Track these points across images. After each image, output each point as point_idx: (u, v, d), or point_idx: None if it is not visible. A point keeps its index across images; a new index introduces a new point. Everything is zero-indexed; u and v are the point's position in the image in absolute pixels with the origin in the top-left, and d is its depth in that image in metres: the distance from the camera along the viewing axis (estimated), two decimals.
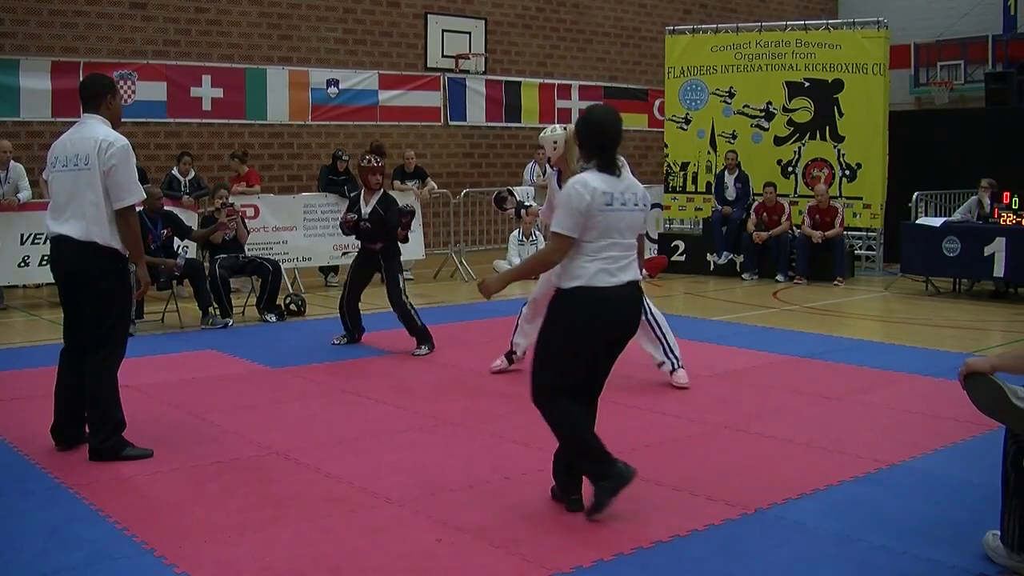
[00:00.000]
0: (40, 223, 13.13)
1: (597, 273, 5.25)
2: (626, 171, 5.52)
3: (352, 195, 11.12)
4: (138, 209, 10.96)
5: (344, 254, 14.91)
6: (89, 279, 6.57)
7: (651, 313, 8.61)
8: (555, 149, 8.40)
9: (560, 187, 8.55)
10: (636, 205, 5.39)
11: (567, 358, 5.35)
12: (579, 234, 5.24)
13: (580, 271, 5.26)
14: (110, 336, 6.69)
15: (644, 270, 16.25)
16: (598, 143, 5.41)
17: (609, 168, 5.36)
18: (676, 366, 8.68)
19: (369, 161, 10.59)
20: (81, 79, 7.37)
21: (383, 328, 10.92)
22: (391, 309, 10.29)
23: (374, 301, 11.39)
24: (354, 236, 10.67)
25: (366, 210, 10.37)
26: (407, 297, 10.27)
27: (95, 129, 6.65)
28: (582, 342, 5.31)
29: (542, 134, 8.70)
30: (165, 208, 12.19)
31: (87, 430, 6.71)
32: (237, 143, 17.69)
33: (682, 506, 5.69)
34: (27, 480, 6.21)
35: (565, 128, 8.45)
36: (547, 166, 8.97)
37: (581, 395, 5.46)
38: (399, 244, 10.58)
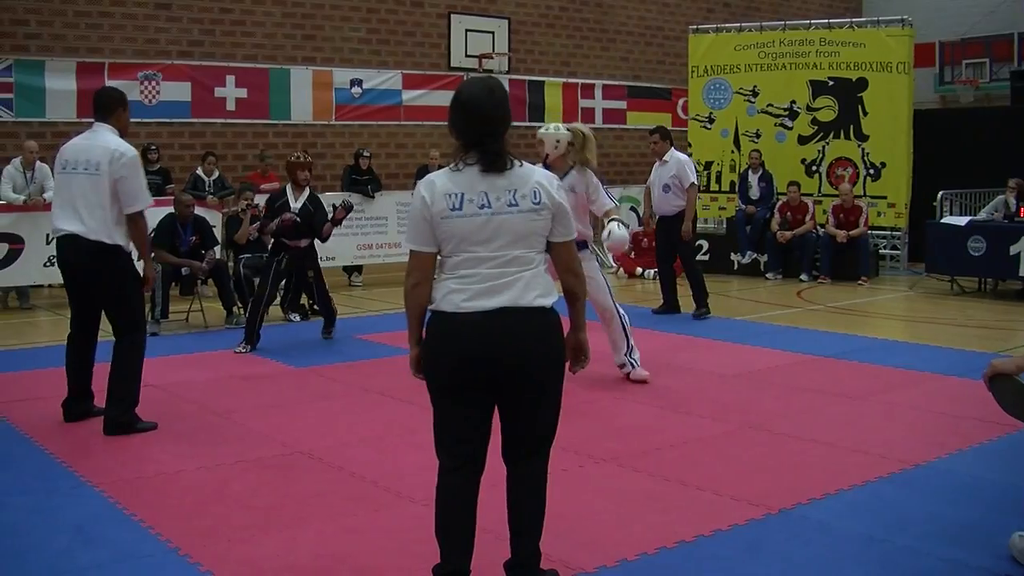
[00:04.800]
0: None
1: (447, 295, 4.15)
2: (522, 166, 4.26)
3: (277, 191, 11.28)
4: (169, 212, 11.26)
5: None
6: (101, 276, 7.24)
7: (619, 312, 8.70)
8: (556, 148, 8.47)
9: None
10: (515, 205, 4.14)
11: (439, 406, 4.28)
12: (431, 246, 4.22)
13: (435, 292, 4.23)
14: (133, 320, 7.44)
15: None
16: (474, 131, 4.22)
17: (492, 164, 4.18)
18: (635, 366, 8.75)
19: (298, 157, 10.88)
20: (97, 89, 7.84)
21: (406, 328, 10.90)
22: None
23: (400, 301, 11.35)
24: (276, 237, 10.73)
25: (295, 206, 10.63)
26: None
27: (107, 138, 7.24)
28: (439, 383, 4.23)
29: (541, 130, 8.71)
30: (196, 215, 12.23)
31: (102, 403, 7.40)
32: (261, 143, 17.74)
33: (706, 506, 5.68)
34: (52, 479, 6.25)
35: (571, 130, 8.58)
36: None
37: (473, 457, 4.26)
38: (318, 242, 10.98)
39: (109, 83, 16.18)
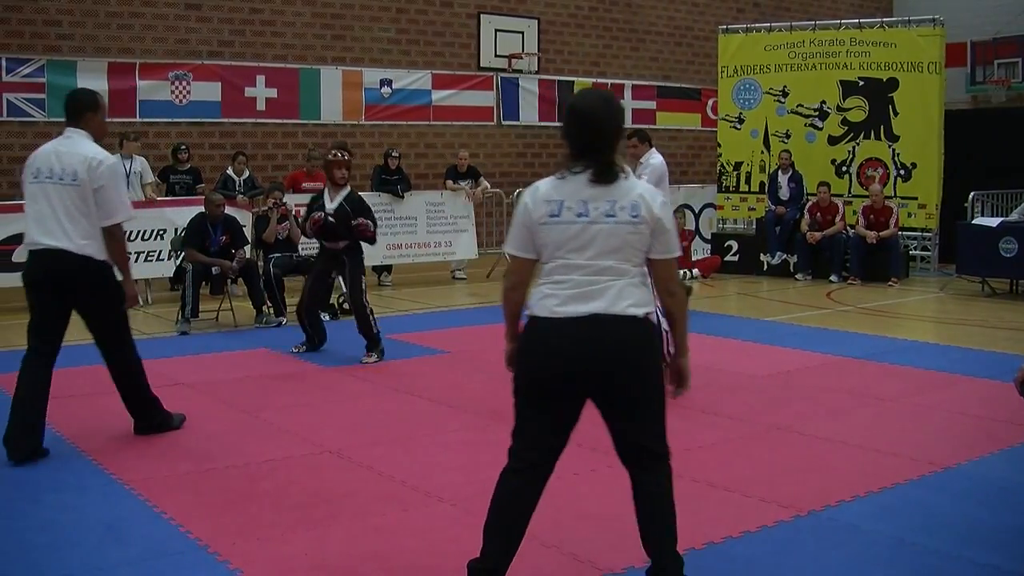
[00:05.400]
0: None
1: (542, 300, 4.16)
2: (627, 179, 4.21)
3: (316, 193, 10.90)
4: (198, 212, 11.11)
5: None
6: (89, 292, 6.73)
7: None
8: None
9: None
10: (612, 216, 4.10)
11: (518, 407, 4.28)
12: (529, 252, 4.24)
13: (532, 297, 4.24)
14: (123, 332, 7.01)
15: (696, 270, 16.14)
16: (586, 140, 4.19)
17: (602, 175, 4.15)
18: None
19: (335, 155, 10.35)
20: (68, 92, 7.33)
21: (436, 328, 10.94)
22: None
23: (429, 300, 11.39)
24: (316, 237, 10.37)
25: (331, 206, 10.05)
26: (367, 301, 10.07)
27: (83, 145, 6.74)
28: (521, 384, 4.24)
29: None
30: (226, 214, 12.28)
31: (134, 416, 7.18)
32: (291, 143, 17.81)
33: (735, 507, 5.67)
34: (84, 476, 6.29)
35: None
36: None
37: (537, 463, 4.27)
38: (362, 245, 10.38)
39: (141, 83, 16.31)
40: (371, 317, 10.00)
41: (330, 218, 9.99)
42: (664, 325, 4.84)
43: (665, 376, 4.32)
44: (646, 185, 4.30)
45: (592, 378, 4.10)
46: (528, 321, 4.21)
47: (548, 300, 4.13)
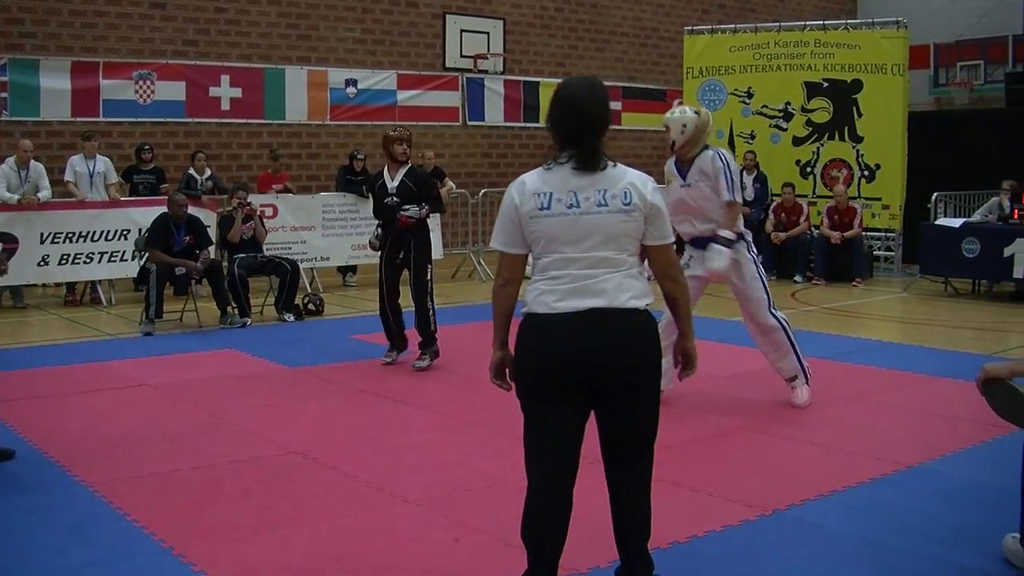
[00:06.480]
0: (60, 222, 13.28)
1: (539, 296, 4.05)
2: (616, 167, 4.13)
3: (374, 173, 10.21)
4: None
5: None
6: None
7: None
8: (683, 133, 7.80)
9: (684, 177, 7.91)
10: (604, 205, 4.02)
11: (530, 406, 4.16)
12: (519, 248, 4.14)
13: (528, 295, 4.12)
14: None
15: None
16: (571, 127, 4.09)
17: (586, 162, 4.06)
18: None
19: (396, 130, 9.78)
20: None
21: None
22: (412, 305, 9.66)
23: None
24: (384, 220, 9.64)
25: (393, 184, 9.51)
26: (432, 299, 9.55)
27: None
28: (527, 382, 4.12)
29: (668, 115, 8.03)
30: (190, 215, 12.21)
31: None
32: (256, 143, 17.75)
33: (700, 507, 5.69)
34: (47, 479, 6.24)
35: (697, 112, 7.92)
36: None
37: (565, 465, 4.16)
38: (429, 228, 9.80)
39: (105, 82, 16.23)
40: (431, 313, 9.52)
41: (394, 199, 9.46)
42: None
43: (669, 360, 4.32)
44: (636, 172, 4.18)
45: (595, 370, 3.99)
46: (525, 319, 4.10)
47: (546, 296, 4.03)
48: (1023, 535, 4.72)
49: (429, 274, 9.61)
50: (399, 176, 9.57)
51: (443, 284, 15.93)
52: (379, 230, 9.71)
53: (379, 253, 9.77)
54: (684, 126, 7.77)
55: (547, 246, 4.05)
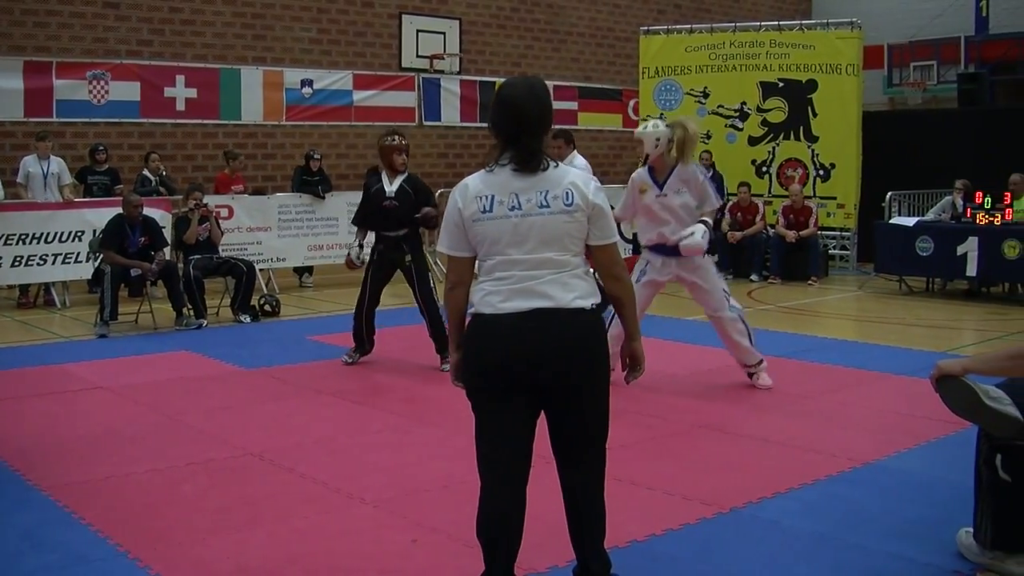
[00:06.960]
0: (14, 223, 13.14)
1: (485, 297, 4.05)
2: (557, 167, 4.12)
3: (370, 177, 9.89)
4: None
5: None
6: None
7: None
8: (656, 147, 8.06)
9: (661, 187, 8.27)
10: (546, 206, 4.01)
11: (479, 405, 4.15)
12: (464, 251, 4.14)
13: (473, 296, 4.12)
14: None
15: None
16: (511, 128, 4.08)
17: (525, 163, 4.04)
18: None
19: (393, 140, 9.60)
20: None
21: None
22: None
23: (351, 302, 11.30)
24: (377, 225, 9.62)
25: (391, 189, 9.44)
26: (439, 298, 9.14)
27: None
28: (475, 381, 4.12)
29: (641, 129, 8.29)
30: (145, 216, 12.11)
31: None
32: (211, 143, 17.65)
33: (657, 505, 5.70)
34: (0, 483, 6.17)
35: (671, 127, 8.17)
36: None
37: (517, 464, 4.14)
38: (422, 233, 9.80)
39: (58, 82, 16.08)
40: (443, 315, 9.31)
41: (393, 203, 9.41)
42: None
43: (616, 362, 4.32)
44: (578, 172, 4.18)
45: (540, 369, 3.97)
46: (472, 319, 4.09)
47: (491, 297, 4.02)
48: (976, 529, 4.77)
49: (431, 280, 9.65)
50: (397, 181, 9.54)
51: (400, 285, 15.88)
52: (360, 248, 9.65)
53: (362, 262, 9.71)
54: (658, 140, 8.06)
55: (491, 248, 4.05)
